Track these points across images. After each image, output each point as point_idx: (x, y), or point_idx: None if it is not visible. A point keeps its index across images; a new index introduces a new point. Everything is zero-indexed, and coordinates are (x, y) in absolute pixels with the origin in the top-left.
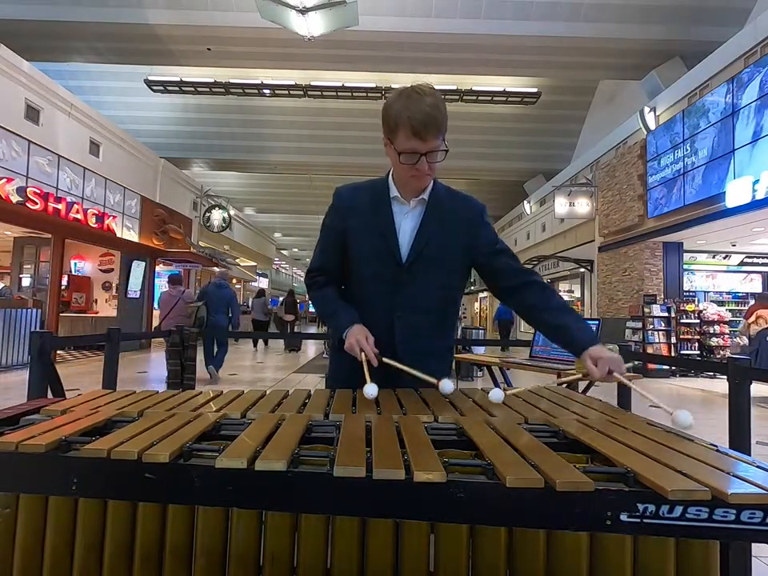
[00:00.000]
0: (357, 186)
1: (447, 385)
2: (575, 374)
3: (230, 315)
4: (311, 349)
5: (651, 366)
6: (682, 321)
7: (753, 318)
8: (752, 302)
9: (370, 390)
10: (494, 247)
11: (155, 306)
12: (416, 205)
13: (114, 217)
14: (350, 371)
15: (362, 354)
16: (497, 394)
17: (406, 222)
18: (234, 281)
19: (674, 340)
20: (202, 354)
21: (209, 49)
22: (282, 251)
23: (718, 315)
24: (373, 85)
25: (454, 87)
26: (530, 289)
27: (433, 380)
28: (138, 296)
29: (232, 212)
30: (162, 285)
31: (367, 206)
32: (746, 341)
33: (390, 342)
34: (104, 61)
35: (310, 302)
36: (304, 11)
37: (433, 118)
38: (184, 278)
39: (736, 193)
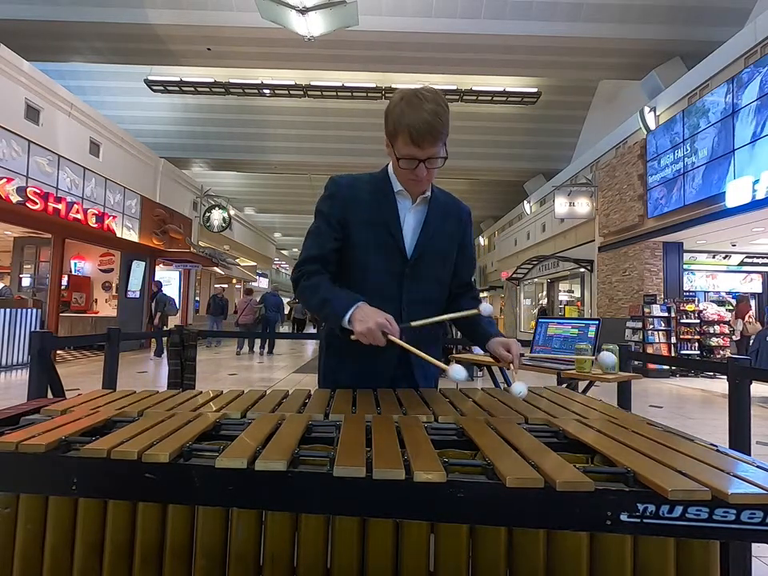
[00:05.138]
0: (354, 176)
1: (458, 372)
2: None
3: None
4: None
5: (651, 365)
6: (681, 321)
7: (747, 318)
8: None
9: (460, 372)
10: (469, 252)
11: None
12: (420, 202)
13: (114, 217)
14: (341, 367)
15: (387, 336)
16: (519, 388)
17: (410, 217)
18: (234, 281)
19: (673, 340)
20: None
21: (209, 49)
22: (282, 251)
23: (718, 315)
24: (373, 85)
25: (454, 87)
26: (467, 296)
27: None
28: (137, 296)
29: (232, 212)
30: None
31: (370, 197)
32: (737, 336)
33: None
34: (104, 61)
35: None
36: (304, 11)
37: (431, 126)
38: (184, 277)
39: (736, 193)
